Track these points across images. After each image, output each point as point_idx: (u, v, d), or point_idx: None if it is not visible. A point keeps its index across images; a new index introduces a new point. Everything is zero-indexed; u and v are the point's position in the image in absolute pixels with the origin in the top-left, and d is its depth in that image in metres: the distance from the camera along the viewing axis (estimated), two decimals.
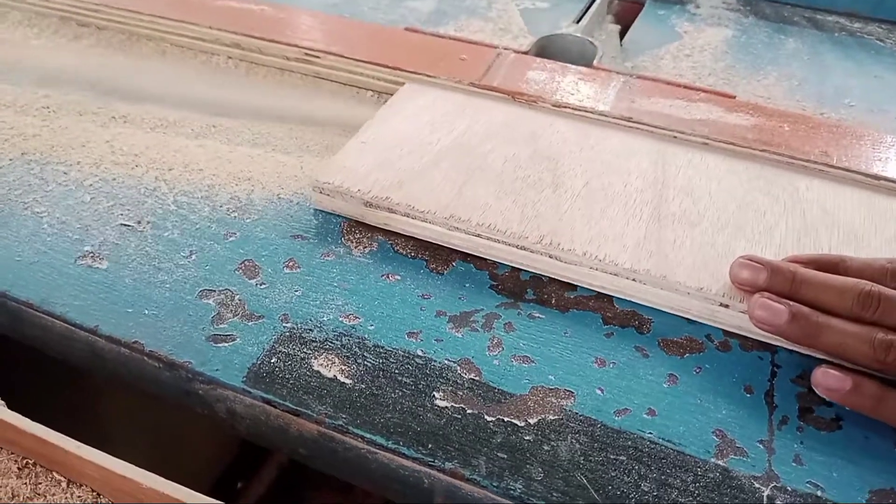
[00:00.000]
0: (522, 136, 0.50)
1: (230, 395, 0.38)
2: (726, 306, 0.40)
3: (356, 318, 0.41)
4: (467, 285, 0.43)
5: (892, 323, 0.36)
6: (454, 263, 0.44)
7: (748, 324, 0.39)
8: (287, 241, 0.45)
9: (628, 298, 0.42)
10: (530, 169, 0.47)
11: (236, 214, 0.47)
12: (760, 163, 0.49)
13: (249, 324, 0.40)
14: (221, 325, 0.40)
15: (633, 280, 0.41)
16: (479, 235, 0.43)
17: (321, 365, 0.38)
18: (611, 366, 0.39)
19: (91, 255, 0.44)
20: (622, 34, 0.69)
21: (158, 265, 0.43)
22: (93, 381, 0.67)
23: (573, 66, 0.57)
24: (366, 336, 0.40)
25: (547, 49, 0.62)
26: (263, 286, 0.42)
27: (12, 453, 0.36)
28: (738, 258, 0.40)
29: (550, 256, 0.42)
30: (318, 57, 0.58)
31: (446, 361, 0.39)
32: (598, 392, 0.38)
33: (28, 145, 0.51)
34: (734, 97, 0.55)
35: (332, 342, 0.39)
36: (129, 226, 0.46)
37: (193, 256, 0.44)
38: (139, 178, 0.49)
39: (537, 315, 0.41)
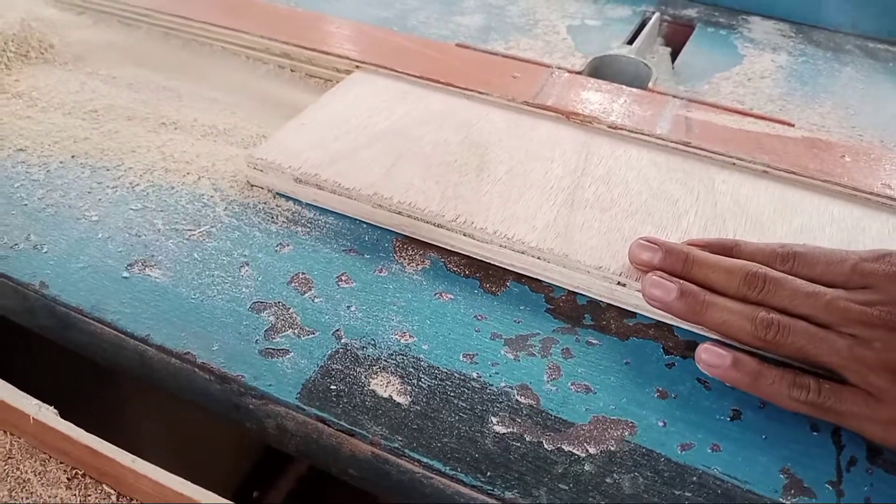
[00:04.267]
0: (456, 124, 0.52)
1: (282, 412, 0.37)
2: (624, 285, 0.41)
3: (410, 336, 0.40)
4: (522, 308, 0.42)
5: (775, 303, 0.37)
6: (508, 284, 0.43)
7: (644, 302, 0.40)
8: (340, 256, 0.45)
9: (535, 276, 0.43)
10: (458, 154, 0.49)
11: (289, 226, 0.46)
12: (681, 156, 0.50)
13: (303, 339, 0.39)
14: (275, 340, 0.39)
15: (538, 258, 0.42)
16: (400, 213, 0.45)
17: (377, 384, 0.37)
18: (673, 397, 0.38)
19: (142, 262, 0.43)
20: (673, 56, 0.68)
21: (210, 275, 0.43)
22: (120, 383, 0.67)
23: (628, 88, 0.56)
24: (420, 356, 0.39)
25: (600, 70, 0.61)
26: (317, 300, 0.42)
27: (62, 463, 0.35)
28: (636, 239, 0.41)
29: (464, 234, 0.44)
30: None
31: (503, 386, 0.38)
32: (661, 425, 0.37)
33: (78, 148, 0.51)
34: (793, 125, 0.54)
35: (386, 361, 0.39)
36: (180, 234, 0.45)
37: (246, 268, 0.43)
38: (191, 185, 0.49)
39: (595, 342, 0.40)
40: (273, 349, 0.39)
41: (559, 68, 0.58)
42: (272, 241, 0.45)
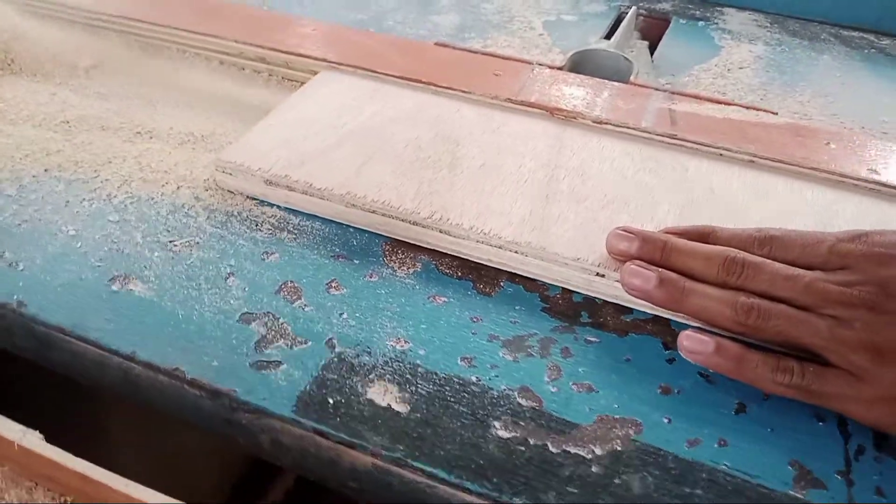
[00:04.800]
0: (427, 120, 0.51)
1: (277, 426, 0.36)
2: (602, 276, 0.41)
3: (406, 342, 0.39)
4: (518, 307, 0.41)
5: (755, 288, 0.37)
6: (502, 284, 0.43)
7: (623, 293, 0.40)
8: (329, 262, 0.43)
9: (513, 270, 0.43)
10: (430, 150, 0.49)
11: (275, 233, 0.45)
12: (654, 146, 0.50)
13: (295, 349, 0.38)
14: (266, 351, 0.38)
15: (516, 252, 0.42)
16: (374, 212, 0.44)
17: (374, 393, 0.36)
18: (676, 393, 0.37)
19: (124, 277, 0.42)
20: (650, 50, 0.67)
21: (196, 288, 0.41)
22: (98, 399, 0.65)
23: (610, 83, 0.56)
24: (417, 362, 0.38)
25: (580, 65, 0.61)
26: (307, 309, 0.40)
27: (49, 490, 0.34)
28: (614, 229, 0.41)
29: (440, 231, 0.43)
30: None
31: (504, 389, 0.37)
32: (666, 421, 0.36)
33: (51, 161, 0.49)
34: (776, 113, 0.53)
35: (383, 368, 0.38)
36: (163, 246, 0.44)
37: (232, 278, 0.42)
38: (171, 195, 0.47)
39: (594, 339, 0.40)
40: (265, 361, 0.38)
41: (540, 64, 0.58)
42: (258, 250, 0.44)
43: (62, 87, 0.57)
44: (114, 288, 0.41)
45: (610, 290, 0.41)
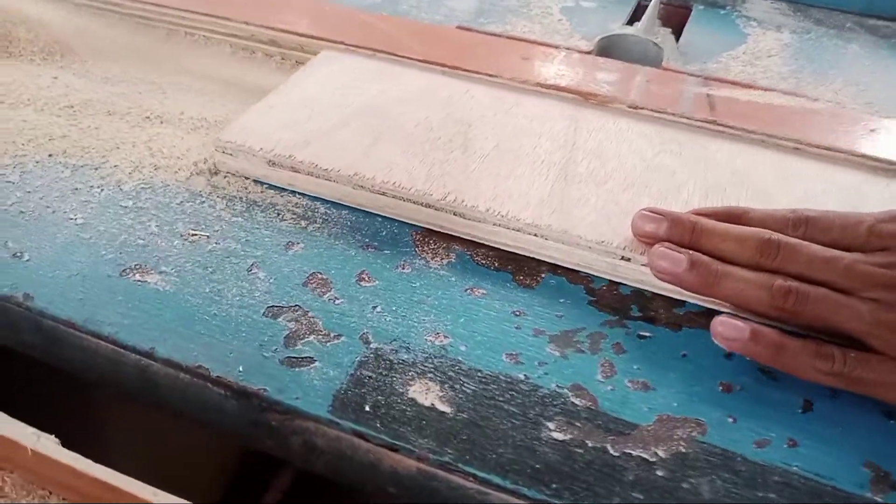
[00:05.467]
0: (437, 101, 0.49)
1: (311, 427, 0.33)
2: (628, 259, 0.39)
3: (445, 337, 0.36)
4: (563, 300, 0.39)
5: (792, 270, 0.35)
6: (543, 276, 0.40)
7: (650, 277, 0.38)
8: (357, 252, 0.41)
9: (531, 255, 0.41)
10: (441, 131, 0.46)
11: (298, 222, 0.42)
12: (674, 127, 0.48)
13: (328, 345, 0.36)
14: (297, 347, 0.35)
15: (535, 235, 0.40)
16: (384, 193, 0.42)
17: (416, 392, 0.34)
18: (738, 390, 0.35)
19: (139, 268, 0.39)
20: (675, 37, 0.65)
21: (216, 279, 0.38)
22: (85, 389, 0.62)
23: (643, 68, 0.53)
24: (459, 358, 0.35)
25: (607, 50, 0.59)
26: (338, 302, 0.38)
27: (65, 499, 0.31)
28: (639, 210, 0.39)
29: (455, 213, 0.41)
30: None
31: (555, 388, 0.34)
32: (731, 421, 0.33)
33: (55, 146, 0.46)
34: (816, 100, 0.51)
35: (423, 365, 0.35)
36: (179, 236, 0.41)
37: (256, 269, 0.39)
38: (185, 182, 0.44)
39: (647, 334, 0.37)
40: (296, 358, 0.35)
41: (568, 49, 0.55)
42: (281, 240, 0.41)
43: (65, 71, 0.54)
44: (128, 280, 0.38)
45: (636, 274, 0.39)
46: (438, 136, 0.46)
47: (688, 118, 0.48)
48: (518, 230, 0.40)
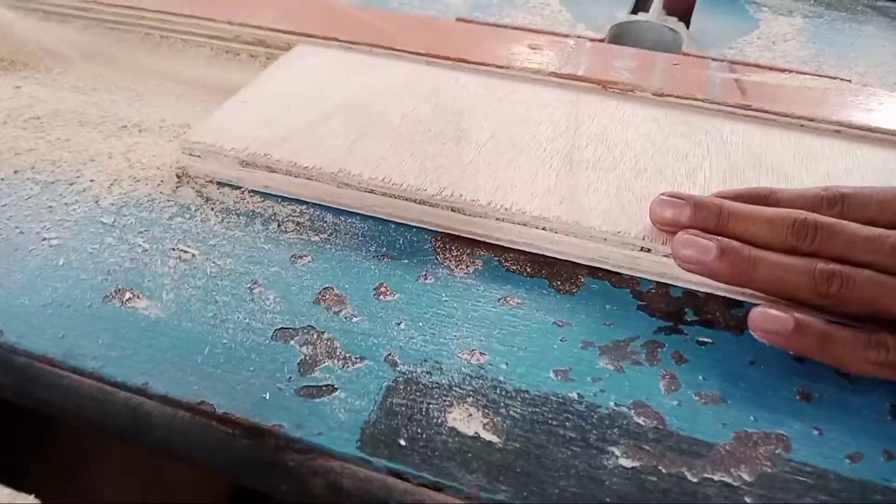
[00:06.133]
0: (424, 92, 0.46)
1: (336, 467, 0.28)
2: (648, 251, 0.35)
3: (482, 354, 0.32)
4: (608, 307, 0.34)
5: (831, 252, 0.32)
6: (583, 280, 0.36)
7: (674, 269, 0.34)
8: (373, 263, 0.36)
9: (540, 252, 0.37)
10: (431, 123, 0.43)
11: (302, 232, 0.38)
12: (681, 109, 0.45)
13: (349, 370, 0.31)
14: (313, 375, 0.31)
15: (544, 229, 0.36)
16: (372, 191, 0.38)
17: (456, 419, 0.29)
18: (818, 398, 0.31)
19: (125, 292, 0.34)
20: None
21: (214, 301, 0.34)
22: (68, 427, 0.56)
23: (661, 54, 0.50)
24: (501, 378, 0.31)
25: (620, 38, 0.55)
26: (356, 320, 0.33)
27: None
28: (658, 196, 0.35)
29: (453, 209, 0.37)
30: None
31: (614, 406, 0.30)
32: (816, 433, 0.29)
33: (22, 161, 0.41)
34: (850, 81, 0.48)
35: (461, 388, 0.30)
36: (168, 254, 0.36)
37: (259, 288, 0.34)
38: (170, 194, 0.39)
39: (707, 340, 0.33)
40: (313, 387, 0.30)
41: (579, 37, 0.51)
42: (285, 253, 0.36)
43: (28, 81, 0.49)
44: (114, 306, 0.33)
45: (658, 266, 0.35)
46: (428, 128, 0.42)
47: (719, 104, 0.44)
48: (524, 224, 0.37)
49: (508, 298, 0.35)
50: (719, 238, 0.33)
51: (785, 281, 0.32)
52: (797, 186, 0.36)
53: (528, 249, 0.37)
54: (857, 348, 0.30)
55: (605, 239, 0.36)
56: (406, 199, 0.38)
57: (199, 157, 0.40)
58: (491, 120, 0.43)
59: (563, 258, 0.37)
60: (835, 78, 0.48)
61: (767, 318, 0.31)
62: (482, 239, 0.38)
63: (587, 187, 0.38)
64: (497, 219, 0.37)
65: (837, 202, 0.34)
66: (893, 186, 0.34)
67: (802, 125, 0.43)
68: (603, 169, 0.39)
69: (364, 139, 0.41)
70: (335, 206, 0.39)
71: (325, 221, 0.38)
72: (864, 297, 0.31)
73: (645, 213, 0.36)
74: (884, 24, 0.64)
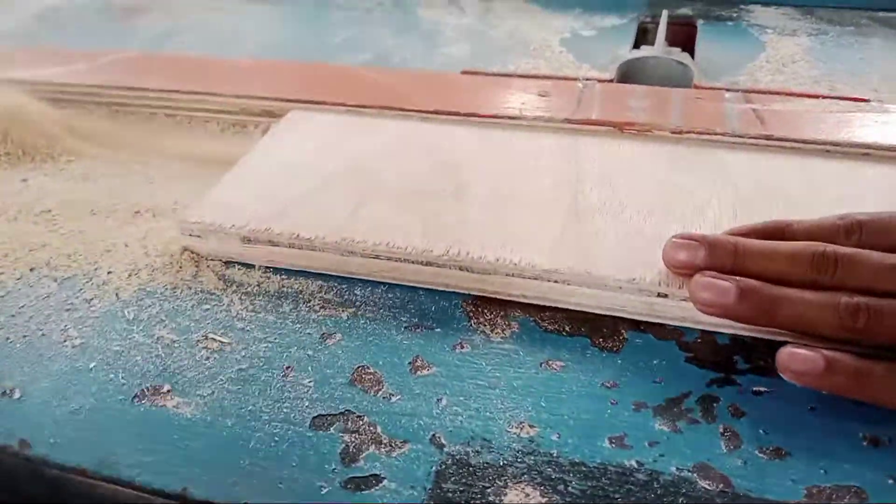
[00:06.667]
0: (420, 150, 0.45)
1: None
2: (665, 296, 0.34)
3: (531, 427, 0.30)
4: (656, 362, 0.33)
5: (855, 284, 0.31)
6: (626, 335, 0.35)
7: (694, 313, 0.33)
8: (405, 336, 0.35)
9: (554, 304, 0.36)
10: (430, 181, 0.42)
11: (328, 309, 0.37)
12: (679, 143, 0.44)
13: (394, 455, 0.29)
14: (358, 464, 0.29)
15: (556, 282, 0.35)
16: (378, 257, 0.37)
17: (514, 501, 0.28)
18: (886, 443, 0.29)
19: (155, 391, 0.33)
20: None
21: (248, 392, 0.32)
22: None
23: (674, 90, 0.49)
24: (554, 451, 0.29)
25: (629, 75, 0.54)
26: (395, 399, 0.32)
27: None
28: (670, 238, 0.34)
29: (461, 268, 0.37)
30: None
31: (676, 472, 0.28)
32: (891, 482, 0.28)
33: (36, 258, 0.40)
34: (868, 100, 0.47)
35: (515, 466, 0.29)
36: (195, 345, 0.35)
37: (293, 373, 0.33)
38: (191, 281, 0.38)
39: (763, 389, 0.32)
40: (360, 478, 0.29)
41: (588, 79, 0.51)
42: (314, 333, 0.35)
43: (35, 173, 0.49)
44: (144, 407, 0.32)
45: (677, 311, 0.34)
46: (429, 186, 0.42)
47: (740, 136, 0.43)
48: (535, 278, 0.36)
49: (551, 362, 0.33)
50: (738, 278, 0.32)
51: (810, 318, 0.31)
52: (810, 213, 0.35)
53: (541, 303, 0.36)
54: (893, 382, 0.29)
55: (620, 287, 0.35)
56: (413, 262, 0.37)
57: (200, 237, 0.40)
58: (489, 172, 0.43)
59: (580, 310, 0.36)
60: (851, 99, 0.47)
61: (796, 358, 0.30)
62: (494, 296, 0.37)
63: (595, 234, 0.37)
64: (507, 274, 0.36)
65: (855, 230, 0.33)
66: None
67: (828, 150, 0.42)
68: (610, 213, 0.39)
69: (365, 204, 0.40)
70: (352, 277, 0.38)
71: (354, 294, 0.37)
72: (894, 329, 0.30)
73: (658, 257, 0.35)
74: (890, 35, 0.63)
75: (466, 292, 0.37)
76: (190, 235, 0.40)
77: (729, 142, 0.43)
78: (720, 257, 0.33)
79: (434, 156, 0.44)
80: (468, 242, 0.37)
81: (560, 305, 0.36)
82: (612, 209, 0.39)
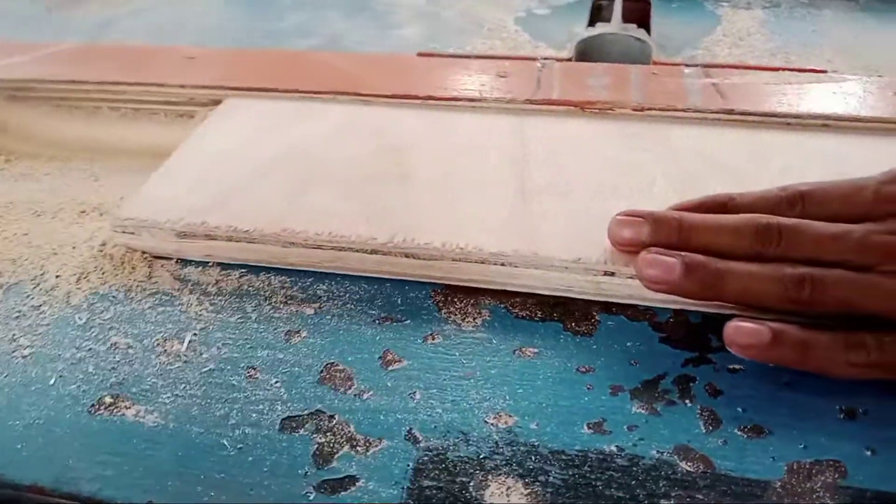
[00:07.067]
0: (365, 133, 0.44)
1: None
2: (612, 274, 0.34)
3: (509, 416, 0.30)
4: (629, 344, 0.33)
5: (798, 255, 0.31)
6: (598, 318, 0.34)
7: (641, 290, 0.33)
8: (374, 330, 0.34)
9: (503, 287, 0.35)
10: (375, 165, 0.41)
11: (293, 305, 0.35)
12: (626, 119, 0.44)
13: (368, 454, 0.28)
14: (332, 465, 0.28)
15: (503, 265, 0.35)
16: (319, 247, 0.36)
17: (495, 495, 0.27)
18: (863, 414, 0.29)
19: (113, 400, 0.31)
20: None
21: (212, 396, 0.31)
22: None
23: (634, 66, 0.48)
24: (533, 440, 0.29)
25: (586, 54, 0.54)
26: (367, 396, 0.31)
27: None
28: (615, 216, 0.34)
29: (406, 255, 0.36)
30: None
31: (657, 455, 0.28)
32: (869, 454, 0.28)
33: None
34: (825, 72, 0.47)
35: (493, 458, 0.28)
36: (152, 350, 0.33)
37: (256, 374, 0.32)
38: (146, 282, 0.37)
39: (737, 367, 0.31)
40: (334, 480, 0.28)
41: (546, 59, 0.50)
42: (279, 331, 0.34)
43: None
44: (102, 418, 0.30)
45: (624, 289, 0.34)
46: (373, 170, 0.40)
47: (701, 111, 0.43)
48: (483, 262, 0.35)
49: (525, 349, 0.33)
50: (683, 254, 0.32)
51: (755, 291, 0.31)
52: (754, 186, 0.35)
53: (488, 287, 0.35)
54: (837, 352, 0.29)
55: (567, 267, 0.34)
56: (357, 251, 0.36)
57: (133, 233, 0.38)
58: (436, 155, 0.42)
59: (518, 290, 0.35)
60: (808, 71, 0.47)
61: (742, 331, 0.30)
62: (443, 282, 0.36)
63: (542, 215, 0.37)
64: (454, 259, 0.35)
65: (797, 201, 0.33)
66: (852, 179, 0.33)
67: (788, 123, 0.42)
68: (557, 194, 0.38)
69: (306, 192, 0.39)
70: (316, 271, 0.37)
71: (318, 289, 0.36)
72: (837, 298, 0.30)
73: (604, 236, 0.34)
74: (839, 6, 0.64)
75: (422, 280, 0.36)
76: (123, 233, 0.38)
77: (690, 117, 0.43)
78: (665, 233, 0.33)
79: (379, 140, 0.43)
80: (414, 228, 0.36)
81: (508, 288, 0.35)
82: (559, 189, 0.38)
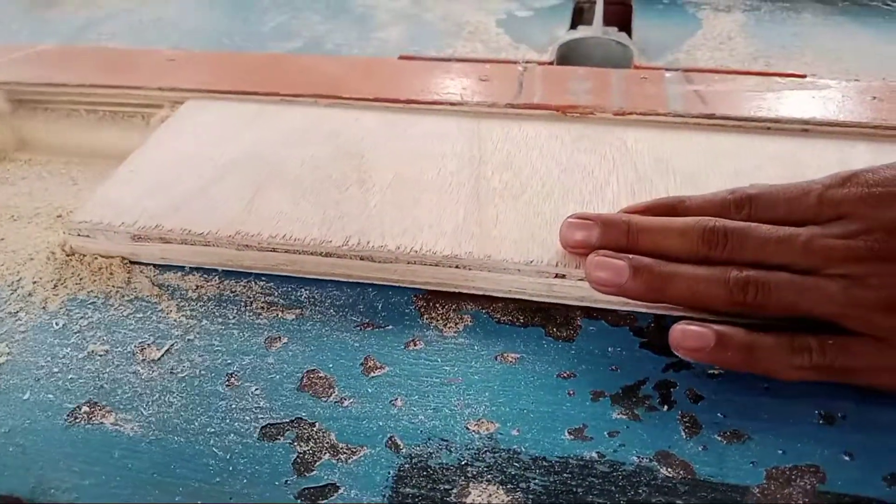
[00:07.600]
0: (322, 136, 0.44)
1: None
2: (563, 276, 0.35)
3: (490, 423, 0.30)
4: (611, 349, 0.33)
5: (744, 257, 0.32)
6: (579, 323, 0.34)
7: (591, 292, 0.34)
8: (355, 336, 0.34)
9: (457, 290, 0.36)
10: (332, 168, 0.41)
11: (273, 311, 0.35)
12: (583, 123, 0.44)
13: (349, 462, 0.28)
14: (312, 474, 0.28)
15: (457, 267, 0.35)
16: (274, 250, 0.36)
17: (477, 502, 0.27)
18: (841, 419, 0.30)
19: (91, 408, 0.31)
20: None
21: (190, 404, 0.31)
22: None
23: (615, 70, 0.49)
24: (514, 447, 0.29)
25: (568, 57, 0.54)
26: (347, 403, 0.31)
27: None
28: (566, 219, 0.35)
29: (361, 258, 0.36)
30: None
31: (637, 461, 0.28)
32: (847, 458, 0.28)
33: None
34: (804, 76, 0.47)
35: (475, 465, 0.28)
36: (131, 357, 0.33)
37: (236, 381, 0.32)
38: (123, 288, 0.36)
39: (718, 372, 0.32)
40: (315, 488, 0.28)
41: (528, 62, 0.50)
42: (258, 337, 0.34)
43: None
44: (80, 427, 0.30)
45: (575, 291, 0.35)
46: (329, 173, 0.41)
47: (682, 116, 0.43)
48: (436, 265, 0.35)
49: (506, 354, 0.33)
50: (631, 256, 0.32)
51: (700, 293, 0.31)
52: (707, 189, 0.35)
53: (442, 290, 0.36)
54: (781, 355, 0.30)
55: (519, 270, 0.35)
56: (311, 254, 0.36)
57: (88, 236, 0.38)
58: (393, 158, 0.42)
59: (472, 292, 0.36)
60: (789, 75, 0.47)
61: (688, 335, 0.30)
62: (397, 284, 0.36)
63: (496, 218, 0.37)
64: (408, 262, 0.35)
65: (745, 204, 0.33)
66: (799, 182, 0.33)
67: (768, 128, 0.42)
68: (511, 196, 0.38)
69: (262, 195, 0.39)
70: (297, 277, 0.37)
71: (299, 295, 0.36)
72: (782, 301, 0.30)
73: (556, 238, 0.35)
74: (818, 9, 0.64)
75: (381, 283, 0.36)
76: (78, 235, 0.38)
77: (671, 122, 0.43)
78: (614, 236, 0.33)
79: (338, 142, 0.43)
80: (369, 231, 0.36)
81: (463, 291, 0.36)
82: (514, 192, 0.39)
